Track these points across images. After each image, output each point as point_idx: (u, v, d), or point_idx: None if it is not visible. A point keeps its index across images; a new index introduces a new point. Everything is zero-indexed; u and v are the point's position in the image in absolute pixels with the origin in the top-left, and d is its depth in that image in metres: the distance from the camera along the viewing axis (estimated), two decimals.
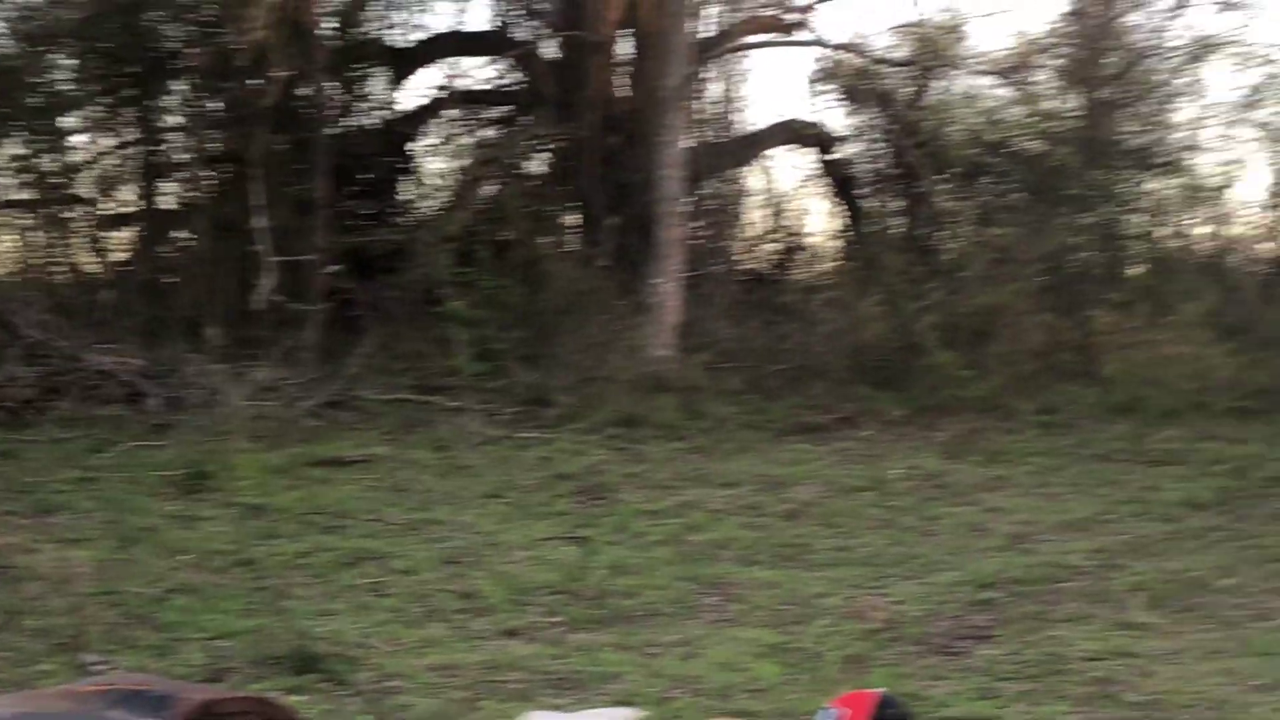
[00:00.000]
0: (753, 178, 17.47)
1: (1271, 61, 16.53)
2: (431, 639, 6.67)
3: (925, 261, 15.37)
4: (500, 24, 16.80)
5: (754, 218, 17.44)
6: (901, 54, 16.79)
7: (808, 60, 17.50)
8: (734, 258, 16.74)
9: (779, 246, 17.29)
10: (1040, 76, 16.60)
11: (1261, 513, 10.25)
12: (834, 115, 17.46)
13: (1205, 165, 16.95)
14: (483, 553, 8.53)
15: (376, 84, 16.06)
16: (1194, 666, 6.65)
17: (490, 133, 16.89)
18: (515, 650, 6.54)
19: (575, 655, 6.44)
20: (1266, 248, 17.06)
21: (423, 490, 10.31)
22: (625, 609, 7.42)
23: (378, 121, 16.19)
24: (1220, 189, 16.93)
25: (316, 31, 14.22)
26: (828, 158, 16.96)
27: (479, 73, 17.04)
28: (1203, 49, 16.43)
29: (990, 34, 18.61)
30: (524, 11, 16.63)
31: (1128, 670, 6.57)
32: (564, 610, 7.28)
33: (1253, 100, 16.71)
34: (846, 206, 17.06)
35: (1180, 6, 16.23)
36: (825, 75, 16.91)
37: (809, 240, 17.43)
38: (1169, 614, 7.58)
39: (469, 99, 16.86)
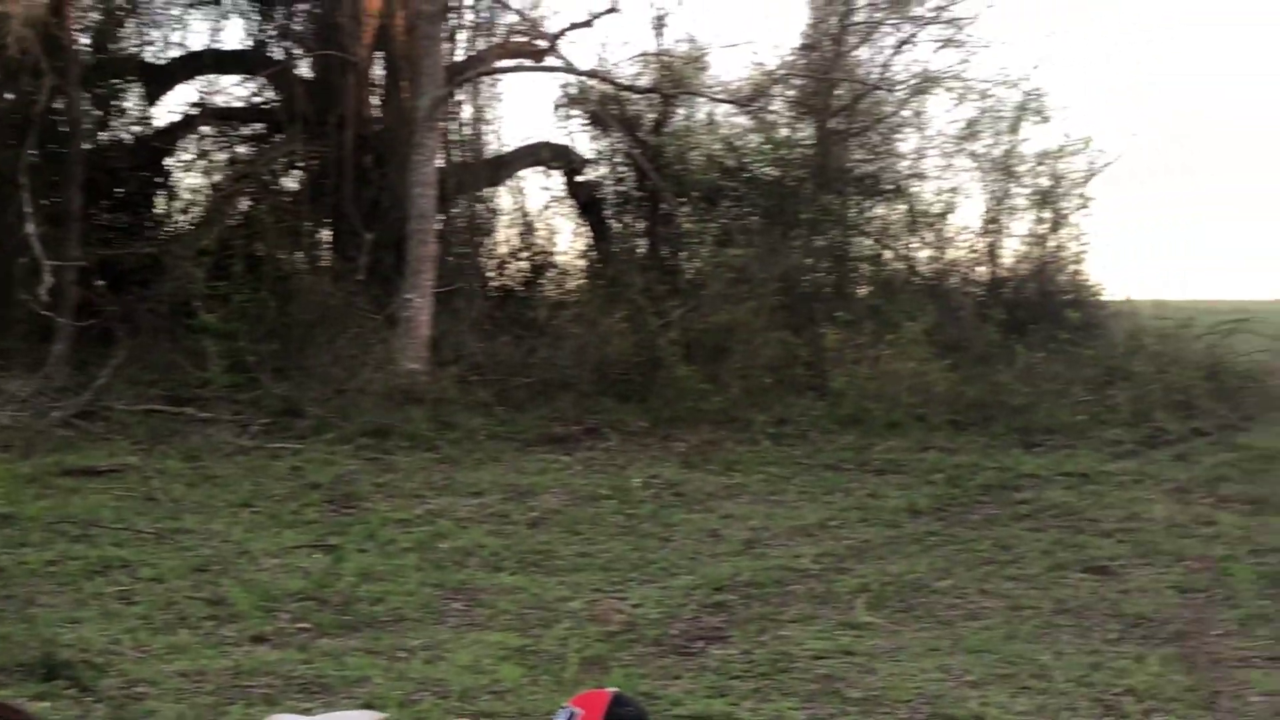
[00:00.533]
0: (503, 198, 17.53)
1: (988, 96, 17.21)
2: (179, 645, 6.67)
3: (667, 280, 15.65)
4: (256, 43, 16.82)
5: (504, 236, 17.48)
6: (645, 81, 16.94)
7: (557, 85, 17.70)
8: (485, 274, 16.79)
9: (528, 264, 17.40)
10: (775, 106, 16.88)
11: (974, 518, 10.71)
12: (582, 139, 17.54)
13: (927, 192, 17.49)
14: (232, 561, 8.53)
15: (132, 99, 15.90)
16: (912, 663, 6.95)
17: (245, 149, 16.84)
18: (263, 656, 6.60)
19: (323, 660, 6.52)
20: (981, 271, 17.57)
21: (173, 500, 10.22)
22: (373, 615, 7.49)
23: (133, 136, 16.00)
24: (941, 215, 17.45)
25: (73, 46, 13.99)
26: (575, 180, 17.13)
27: (235, 90, 16.96)
28: (925, 83, 17.05)
29: (730, 64, 19.52)
30: (279, 31, 16.69)
31: (851, 668, 6.83)
32: (312, 617, 7.32)
33: (970, 132, 17.37)
34: (593, 227, 17.28)
35: (905, 43, 16.76)
36: (573, 100, 17.09)
37: (557, 259, 17.54)
38: (890, 614, 7.94)
39: (224, 115, 16.85)
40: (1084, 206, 17.75)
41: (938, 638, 7.44)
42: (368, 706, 5.68)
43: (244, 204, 16.40)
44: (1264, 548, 9.84)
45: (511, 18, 16.33)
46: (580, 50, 18.11)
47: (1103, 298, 18.31)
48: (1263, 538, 10.18)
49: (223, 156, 16.84)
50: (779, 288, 15.25)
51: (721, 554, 9.28)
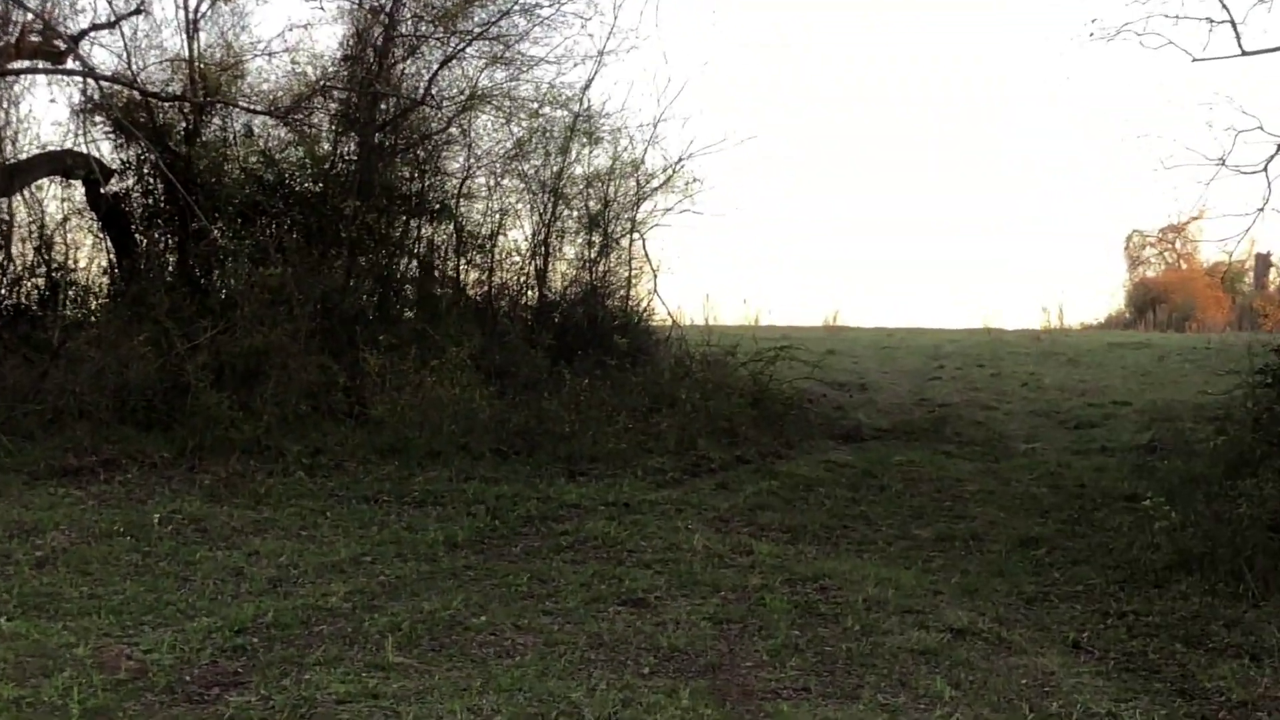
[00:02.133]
0: (17, 209, 16.69)
1: (538, 115, 17.50)
2: None
3: (197, 300, 15.20)
4: None
5: (17, 251, 16.64)
6: (175, 88, 16.45)
7: (78, 90, 16.87)
8: None
9: (43, 281, 16.63)
10: (317, 118, 16.69)
11: (514, 550, 10.84)
12: (107, 148, 16.90)
13: (475, 213, 17.72)
14: None
15: None
16: (440, 704, 6.93)
17: None
18: None
19: None
20: (531, 295, 17.83)
21: None
22: None
23: None
24: (489, 236, 17.73)
25: None
26: (98, 191, 16.46)
27: None
28: (473, 100, 17.15)
29: (269, 73, 19.19)
30: None
31: (376, 711, 6.79)
32: None
33: (519, 152, 17.62)
34: (116, 242, 16.67)
35: (450, 59, 16.83)
36: (96, 106, 16.42)
37: (76, 275, 16.80)
38: (421, 653, 7.90)
39: None
40: (634, 230, 18.24)
41: (469, 677, 7.43)
42: None
43: None
44: (798, 577, 10.24)
45: (27, 16, 15.29)
46: (106, 53, 16.86)
47: (653, 324, 18.80)
48: (798, 567, 10.61)
49: None
50: (318, 309, 15.10)
51: (245, 593, 9.08)
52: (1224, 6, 17.47)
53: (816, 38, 61.30)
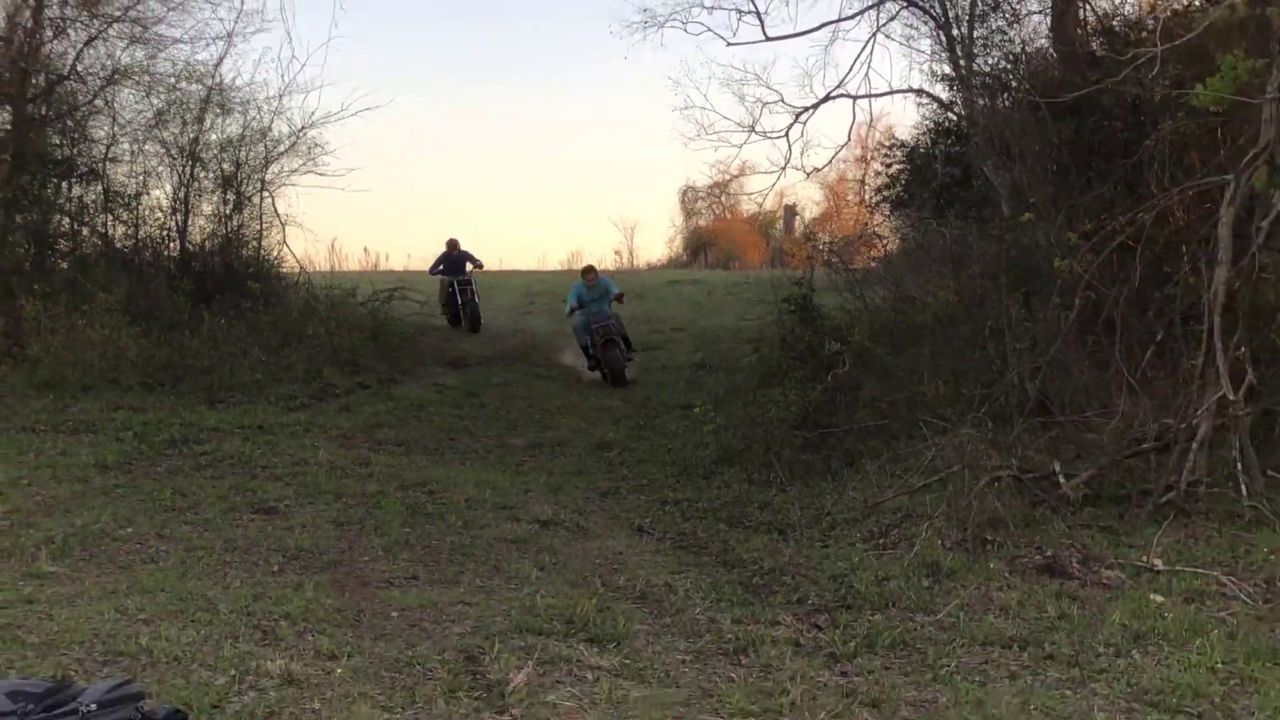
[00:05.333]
0: None
1: (175, 89, 17.45)
2: None
3: None
4: None
5: None
6: None
7: None
8: None
9: None
10: None
11: (159, 470, 10.86)
12: None
13: (121, 175, 17.45)
14: None
15: None
16: (90, 606, 6.86)
17: None
18: None
19: None
20: (173, 247, 17.80)
21: None
22: None
23: None
24: (135, 196, 17.50)
25: None
26: None
27: None
28: (116, 75, 16.94)
29: None
30: None
31: (31, 614, 6.65)
32: None
33: (159, 121, 17.51)
34: None
35: (95, 38, 16.56)
36: None
37: None
38: (72, 563, 7.87)
39: None
40: (264, 189, 18.34)
41: (116, 581, 7.48)
42: None
43: None
44: (409, 483, 10.60)
45: None
46: None
47: (283, 270, 18.96)
48: (409, 474, 10.96)
49: None
50: None
51: None
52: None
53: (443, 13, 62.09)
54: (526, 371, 17.74)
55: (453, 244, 21.01)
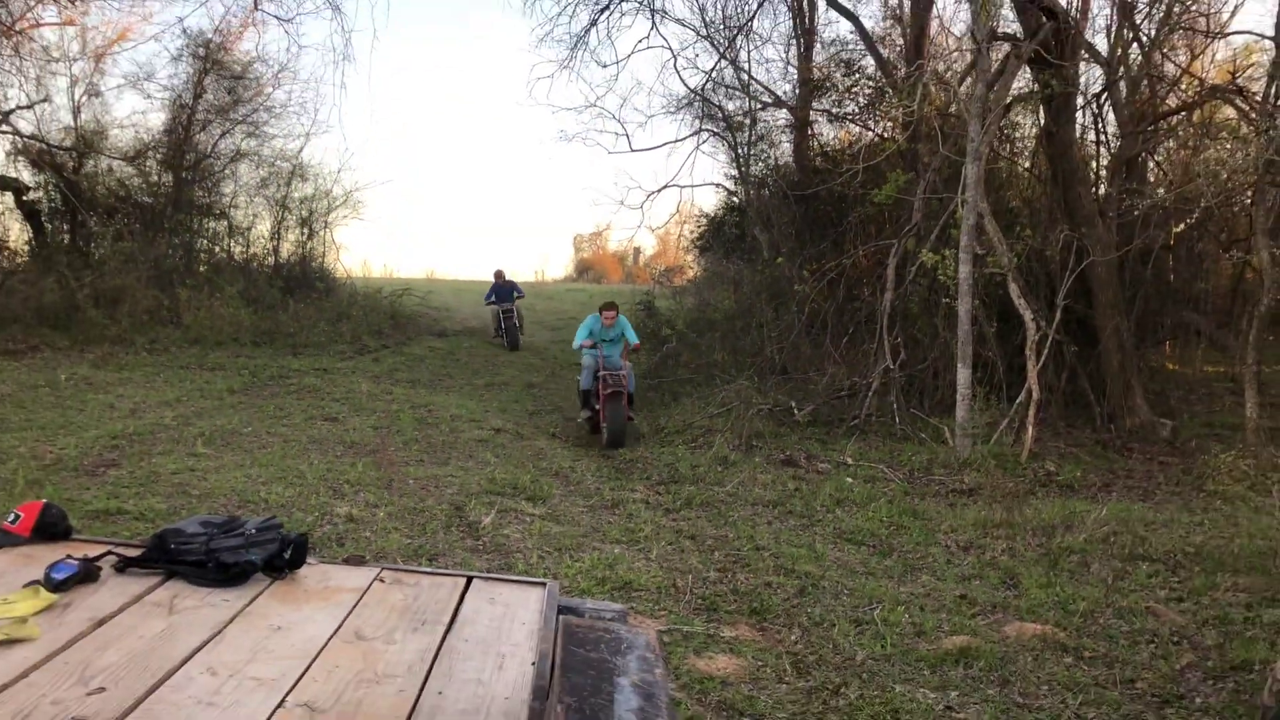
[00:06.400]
0: None
1: (274, 164, 18.34)
2: None
3: (80, 259, 15.66)
4: None
5: None
6: (67, 142, 16.27)
7: (9, 141, 16.19)
8: None
9: None
10: (149, 165, 16.95)
11: (264, 394, 11.36)
12: (27, 174, 15.99)
13: (239, 216, 18.53)
14: None
15: None
16: (229, 474, 7.20)
17: None
18: None
19: None
20: (270, 260, 18.97)
21: None
22: None
23: None
24: (247, 228, 18.64)
25: None
26: (21, 198, 15.98)
27: None
28: (238, 155, 17.85)
29: (120, 138, 19.10)
30: None
31: (194, 478, 7.00)
32: None
33: (263, 182, 18.61)
34: (34, 227, 16.47)
35: (225, 133, 17.41)
36: (19, 151, 16.00)
37: (11, 245, 16.30)
38: (217, 448, 8.24)
39: None
40: (326, 226, 19.62)
41: (243, 460, 7.81)
42: None
43: None
44: (417, 404, 11.12)
45: None
46: (25, 121, 16.59)
47: (338, 274, 20.08)
48: (417, 400, 11.49)
49: None
50: (152, 265, 15.62)
51: (116, 417, 9.22)
52: (621, 125, 21.22)
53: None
54: (482, 341, 18.66)
55: (499, 275, 18.63)
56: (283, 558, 2.51)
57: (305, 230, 19.35)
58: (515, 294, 18.10)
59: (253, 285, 16.89)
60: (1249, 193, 10.49)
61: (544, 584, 2.37)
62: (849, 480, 8.44)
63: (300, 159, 18.96)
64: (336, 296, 18.29)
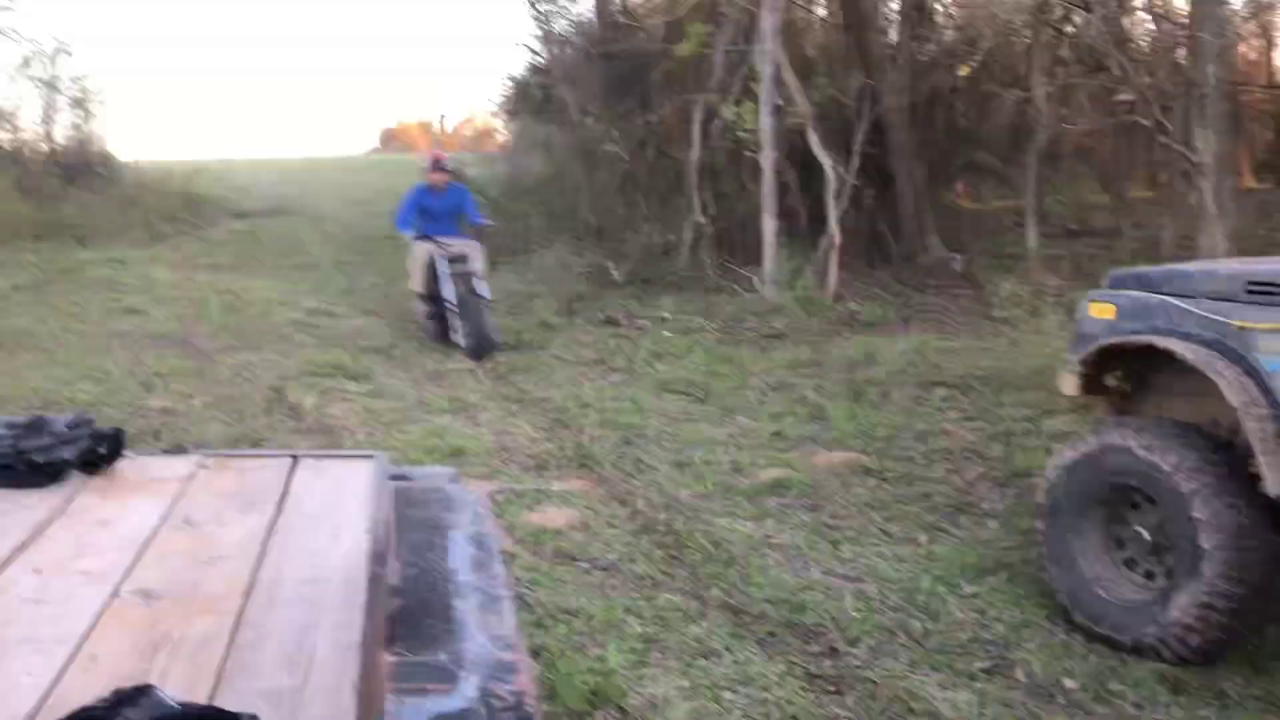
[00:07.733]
0: None
1: (36, 42, 17.21)
2: None
3: None
4: None
5: None
6: None
7: None
8: None
9: None
10: None
11: (56, 289, 10.96)
12: None
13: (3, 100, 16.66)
14: None
15: None
16: (28, 375, 7.26)
17: None
18: None
19: None
20: (44, 147, 17.95)
21: None
22: None
23: None
24: (12, 113, 17.52)
25: None
26: None
27: None
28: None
29: None
30: None
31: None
32: None
33: (26, 64, 17.44)
34: None
35: None
36: None
37: None
38: (9, 350, 8.16)
39: None
40: (101, 105, 18.55)
41: (42, 360, 7.89)
42: None
43: None
44: (223, 290, 11.08)
45: None
46: None
47: (122, 159, 19.37)
48: (221, 284, 11.46)
49: None
50: None
51: None
52: None
53: None
54: (285, 219, 18.59)
55: (438, 162, 13.88)
56: (98, 453, 2.39)
57: (81, 112, 18.47)
58: (470, 216, 9.35)
59: (27, 175, 16.26)
60: (1027, 33, 10.89)
61: (372, 456, 2.40)
62: (667, 334, 8.84)
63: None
64: (123, 182, 17.88)
